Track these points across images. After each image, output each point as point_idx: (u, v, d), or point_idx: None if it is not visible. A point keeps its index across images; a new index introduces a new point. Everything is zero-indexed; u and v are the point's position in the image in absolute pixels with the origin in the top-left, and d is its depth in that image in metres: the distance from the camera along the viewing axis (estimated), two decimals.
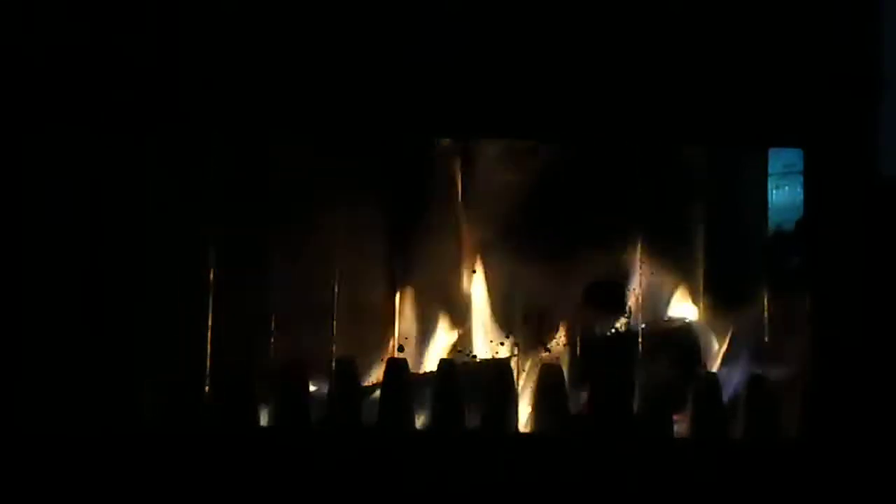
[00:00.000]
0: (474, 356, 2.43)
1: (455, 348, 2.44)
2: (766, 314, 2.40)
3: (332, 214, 2.38)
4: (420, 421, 2.30)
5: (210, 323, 2.33)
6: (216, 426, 2.26)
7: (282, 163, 2.38)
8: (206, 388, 2.31)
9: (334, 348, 2.38)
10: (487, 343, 2.45)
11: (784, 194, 2.42)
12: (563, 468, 2.25)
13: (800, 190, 2.34)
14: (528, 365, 2.42)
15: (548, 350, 2.42)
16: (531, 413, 2.34)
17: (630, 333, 2.43)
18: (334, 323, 2.38)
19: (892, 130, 2.30)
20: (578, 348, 2.42)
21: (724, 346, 2.43)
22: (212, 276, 2.34)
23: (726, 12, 2.31)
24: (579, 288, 2.44)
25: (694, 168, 2.45)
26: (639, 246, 2.43)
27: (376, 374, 2.38)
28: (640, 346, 2.41)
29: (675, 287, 2.48)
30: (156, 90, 2.26)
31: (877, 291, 2.28)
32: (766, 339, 2.40)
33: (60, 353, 2.24)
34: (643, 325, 2.44)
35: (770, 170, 2.43)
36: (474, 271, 2.46)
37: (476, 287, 2.46)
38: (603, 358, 2.39)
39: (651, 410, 2.31)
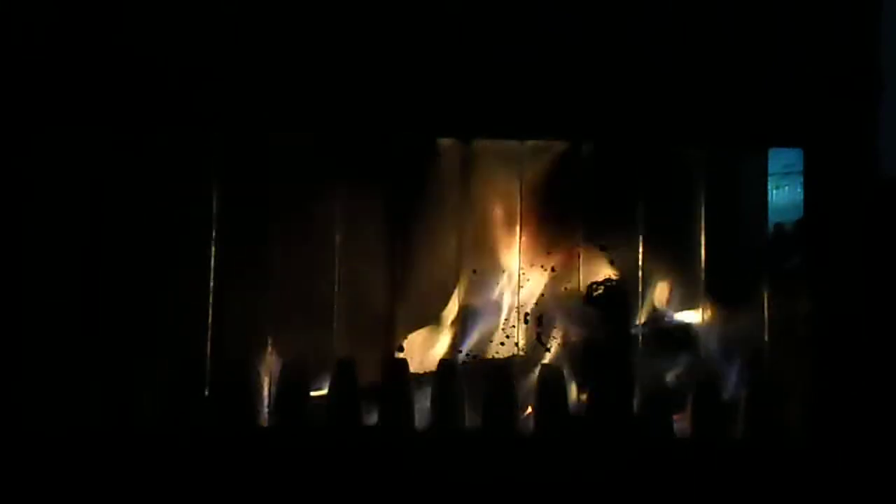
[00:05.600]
0: (475, 356, 2.43)
1: (455, 348, 2.44)
2: (766, 314, 2.40)
3: (332, 214, 2.38)
4: (420, 421, 2.31)
5: (210, 322, 2.33)
6: (216, 426, 2.26)
7: (282, 162, 2.38)
8: (206, 388, 2.32)
9: (334, 348, 2.38)
10: (488, 343, 2.45)
11: (784, 194, 2.42)
12: (564, 468, 2.25)
13: (800, 190, 2.34)
14: (528, 365, 2.42)
15: (548, 350, 2.42)
16: (531, 413, 2.34)
17: (630, 333, 2.42)
18: (334, 323, 2.38)
19: (892, 131, 2.31)
20: (578, 348, 2.42)
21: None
22: (212, 275, 2.34)
23: (727, 13, 2.31)
24: (580, 288, 2.45)
25: (694, 168, 2.45)
26: (639, 246, 2.43)
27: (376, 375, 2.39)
28: (640, 346, 2.41)
29: (676, 287, 2.48)
30: (156, 91, 2.26)
31: (877, 291, 2.28)
32: (766, 339, 2.40)
33: (60, 352, 2.24)
34: (643, 325, 2.44)
35: (770, 170, 2.43)
36: (474, 271, 2.46)
37: (476, 287, 2.46)
38: (603, 358, 2.38)
39: (651, 410, 2.31)
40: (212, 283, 2.34)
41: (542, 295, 2.45)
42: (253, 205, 2.38)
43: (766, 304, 2.40)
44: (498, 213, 2.46)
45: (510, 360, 2.41)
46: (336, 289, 2.38)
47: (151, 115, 2.27)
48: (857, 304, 2.28)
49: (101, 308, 2.28)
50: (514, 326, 2.44)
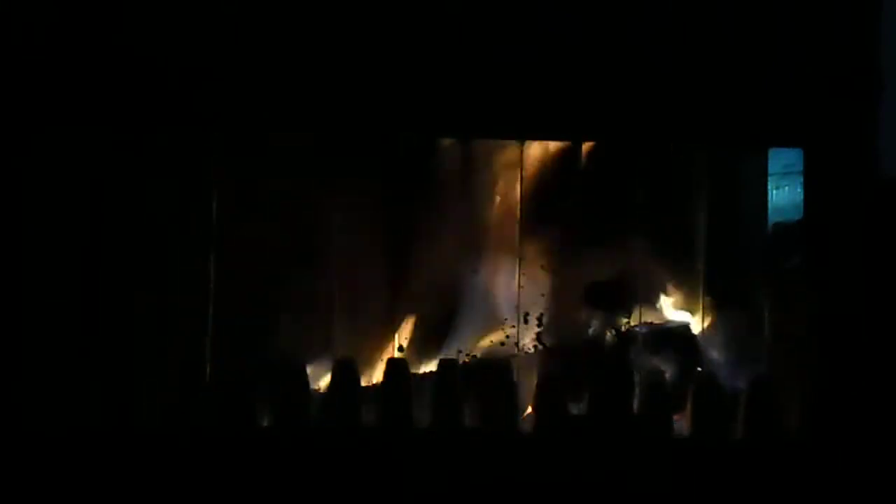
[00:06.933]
0: (474, 356, 2.43)
1: (455, 348, 2.44)
2: (765, 314, 2.40)
3: (332, 213, 2.38)
4: (420, 421, 2.31)
5: (210, 323, 2.33)
6: (216, 426, 2.26)
7: (282, 162, 2.38)
8: (206, 388, 2.31)
9: (334, 348, 2.38)
10: (488, 342, 2.45)
11: (784, 194, 2.42)
12: (564, 468, 2.25)
13: (800, 190, 2.34)
14: (528, 365, 2.42)
15: (548, 350, 2.42)
16: (531, 413, 2.34)
17: (630, 333, 2.42)
18: (334, 323, 2.38)
19: (892, 131, 2.31)
20: (578, 348, 2.42)
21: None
22: (212, 275, 2.34)
23: (727, 13, 2.31)
24: (580, 288, 2.45)
25: (694, 168, 2.45)
26: (639, 246, 2.43)
27: (376, 374, 2.39)
28: (639, 346, 2.41)
29: (675, 287, 2.49)
30: (156, 91, 2.26)
31: (876, 291, 2.28)
32: (766, 338, 2.40)
33: (60, 352, 2.24)
34: (643, 325, 2.44)
35: (770, 170, 2.43)
36: (474, 271, 2.46)
37: (477, 287, 2.46)
38: (603, 358, 2.39)
39: (651, 410, 2.31)
40: (212, 283, 2.34)
41: (543, 295, 2.46)
42: (253, 204, 2.38)
43: (765, 304, 2.40)
44: (498, 212, 2.46)
45: (510, 360, 2.41)
46: (336, 288, 2.38)
47: (151, 115, 2.27)
48: (857, 304, 2.28)
49: (101, 308, 2.28)
50: (514, 326, 2.44)
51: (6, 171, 2.24)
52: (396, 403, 2.29)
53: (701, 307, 2.46)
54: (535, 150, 2.44)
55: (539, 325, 2.44)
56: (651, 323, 2.45)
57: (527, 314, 2.44)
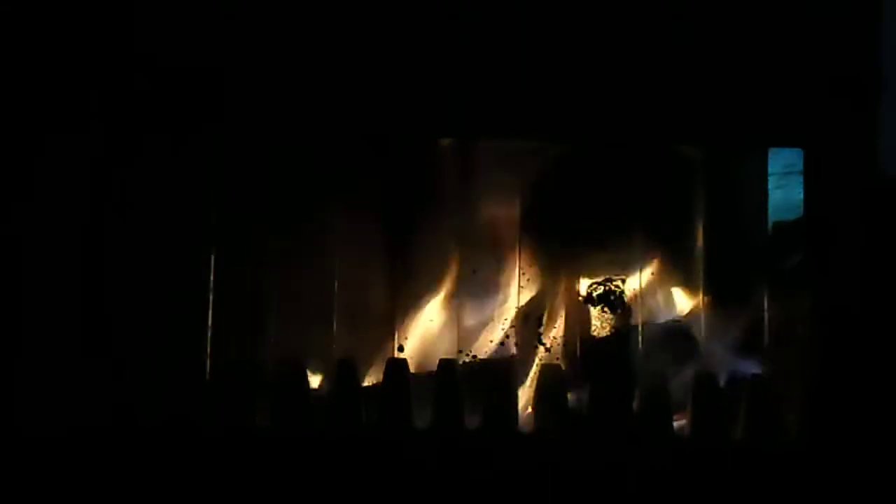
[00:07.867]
0: (474, 356, 2.43)
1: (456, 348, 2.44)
2: (765, 314, 2.40)
3: (332, 214, 2.38)
4: (420, 421, 2.31)
5: (210, 322, 2.33)
6: (215, 426, 2.26)
7: (282, 162, 2.38)
8: (205, 388, 2.31)
9: (334, 348, 2.38)
10: (488, 342, 2.45)
11: (784, 194, 2.42)
12: (563, 468, 2.25)
13: (800, 190, 2.34)
14: (528, 365, 2.42)
15: (548, 350, 2.43)
16: (531, 413, 2.34)
17: (630, 333, 2.42)
18: (334, 323, 2.38)
19: (892, 131, 2.31)
20: (578, 348, 2.42)
21: None
22: (212, 275, 2.34)
23: (727, 13, 2.31)
24: (580, 288, 2.45)
25: (694, 168, 2.45)
26: (639, 246, 2.43)
27: (376, 375, 2.39)
28: (640, 346, 2.41)
29: (676, 287, 2.49)
30: (156, 91, 2.26)
31: (876, 291, 2.28)
32: (766, 339, 2.40)
33: (60, 352, 2.24)
34: (643, 325, 2.44)
35: (770, 170, 2.43)
36: (474, 271, 2.46)
37: (478, 287, 2.47)
38: (603, 358, 2.39)
39: (651, 410, 2.31)
40: (211, 282, 2.34)
41: (543, 295, 2.46)
42: (253, 204, 2.38)
43: (765, 304, 2.40)
44: (498, 213, 2.46)
45: (510, 360, 2.41)
46: (336, 289, 2.38)
47: (151, 116, 2.27)
48: (857, 304, 2.28)
49: (102, 308, 2.28)
50: (514, 326, 2.44)
51: (5, 172, 2.24)
52: (396, 403, 2.29)
53: (701, 307, 2.46)
54: (535, 151, 2.44)
55: (539, 326, 2.44)
56: (651, 322, 2.46)
57: (527, 314, 2.45)
